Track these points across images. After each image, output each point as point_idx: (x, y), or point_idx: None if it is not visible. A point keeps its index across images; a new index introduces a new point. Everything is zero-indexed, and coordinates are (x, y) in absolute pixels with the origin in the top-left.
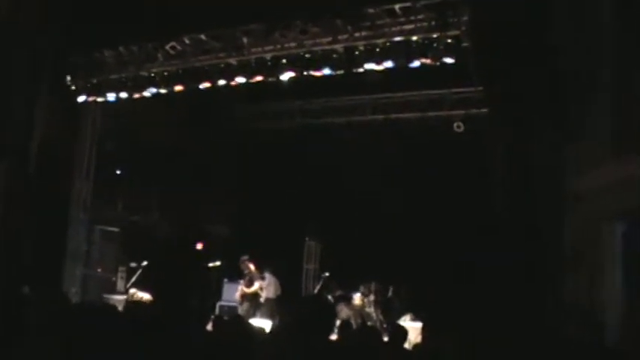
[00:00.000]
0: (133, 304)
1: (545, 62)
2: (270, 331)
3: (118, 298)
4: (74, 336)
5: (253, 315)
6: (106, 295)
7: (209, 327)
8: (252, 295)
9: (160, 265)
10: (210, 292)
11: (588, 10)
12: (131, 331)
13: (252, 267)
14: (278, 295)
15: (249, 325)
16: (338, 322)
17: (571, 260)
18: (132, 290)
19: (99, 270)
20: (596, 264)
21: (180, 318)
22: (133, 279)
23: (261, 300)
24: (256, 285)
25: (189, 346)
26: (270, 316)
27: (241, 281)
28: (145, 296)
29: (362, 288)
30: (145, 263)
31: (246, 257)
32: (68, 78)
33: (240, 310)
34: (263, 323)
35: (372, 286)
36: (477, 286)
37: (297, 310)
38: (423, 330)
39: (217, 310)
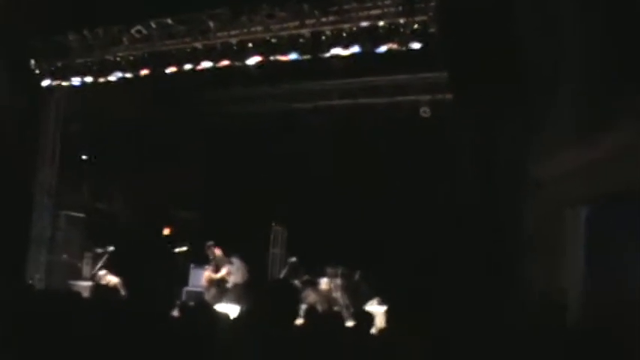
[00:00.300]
0: (99, 290)
1: (509, 50)
2: (236, 318)
3: (84, 285)
4: (37, 323)
5: (220, 300)
6: (71, 282)
7: (175, 313)
8: (218, 280)
9: (126, 251)
10: (176, 278)
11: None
12: (96, 317)
13: (218, 252)
14: (245, 281)
15: (215, 311)
16: (304, 307)
17: (533, 247)
18: (101, 272)
19: (64, 256)
20: (558, 249)
21: (146, 304)
22: (99, 265)
23: (229, 285)
24: (223, 271)
25: (154, 333)
26: (238, 302)
27: (207, 267)
28: (113, 279)
29: (329, 272)
30: (110, 249)
31: (211, 243)
32: (32, 62)
33: (207, 296)
34: (230, 309)
35: (339, 271)
36: (440, 271)
37: (262, 295)
38: (387, 314)
39: (184, 296)
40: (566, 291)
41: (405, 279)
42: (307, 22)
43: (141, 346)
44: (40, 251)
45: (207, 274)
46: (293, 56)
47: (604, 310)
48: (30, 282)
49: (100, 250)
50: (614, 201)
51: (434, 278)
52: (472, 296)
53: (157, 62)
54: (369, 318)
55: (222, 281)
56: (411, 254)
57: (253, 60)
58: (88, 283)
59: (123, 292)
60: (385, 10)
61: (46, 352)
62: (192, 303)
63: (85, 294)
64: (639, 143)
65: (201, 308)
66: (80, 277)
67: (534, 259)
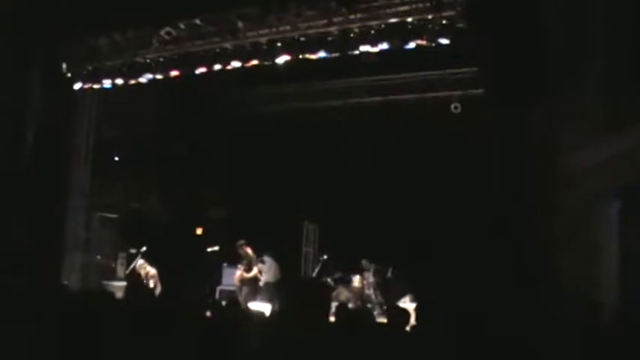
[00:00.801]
0: (134, 289)
1: (538, 42)
2: (269, 315)
3: (118, 285)
4: (72, 324)
5: (253, 299)
6: (105, 282)
7: (208, 313)
8: (251, 279)
9: (160, 251)
10: (209, 277)
11: None
12: (131, 317)
13: (249, 251)
14: (278, 279)
15: (248, 309)
16: (335, 305)
17: (566, 239)
18: (140, 261)
19: (98, 257)
20: (592, 243)
21: (180, 304)
22: (133, 265)
23: (261, 284)
24: (255, 270)
25: (189, 332)
26: (270, 300)
27: (240, 266)
28: (152, 271)
29: (361, 269)
30: (144, 249)
31: (243, 242)
32: (64, 65)
33: (240, 295)
34: (262, 307)
35: (371, 268)
36: (473, 267)
37: (294, 293)
38: (416, 311)
39: (217, 295)
40: (600, 286)
41: (438, 276)
42: (335, 19)
43: (176, 345)
44: (74, 252)
45: (239, 272)
46: (322, 54)
47: (637, 304)
48: (65, 283)
49: (133, 251)
50: None
51: (467, 274)
52: (506, 292)
53: (187, 63)
54: (403, 314)
55: (254, 280)
56: (444, 251)
57: (282, 59)
58: (123, 283)
59: (159, 285)
60: (413, 6)
61: (82, 349)
62: (225, 302)
63: (119, 294)
64: None
65: (234, 307)
66: (114, 278)
67: (569, 253)
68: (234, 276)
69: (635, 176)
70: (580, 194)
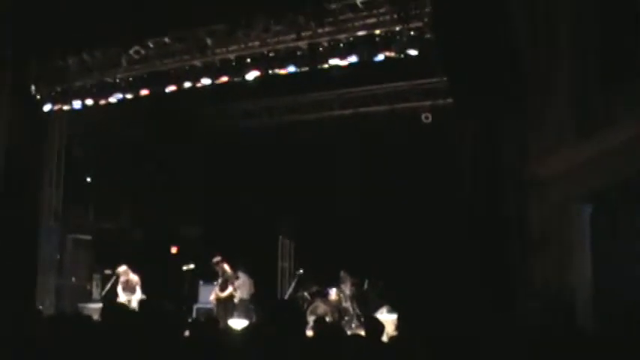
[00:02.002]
0: (111, 311)
1: (505, 51)
2: (243, 332)
3: (94, 307)
4: (49, 348)
5: (231, 316)
6: (81, 305)
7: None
8: (226, 298)
9: (136, 271)
10: (185, 296)
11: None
12: (108, 339)
13: (226, 267)
14: (252, 295)
15: (226, 326)
16: (312, 319)
17: (538, 245)
18: (122, 268)
19: (73, 279)
20: (565, 248)
21: (158, 324)
22: (108, 286)
23: (236, 300)
24: (229, 289)
25: (167, 352)
26: (246, 316)
27: (215, 283)
28: (135, 278)
29: (342, 277)
30: (120, 269)
31: (219, 258)
32: (33, 87)
33: (217, 313)
34: (240, 323)
35: (348, 280)
36: (447, 275)
37: (268, 313)
38: (397, 322)
39: (194, 313)
40: (574, 289)
41: (413, 285)
42: (304, 34)
43: None
44: (48, 275)
45: (215, 292)
46: (291, 69)
47: (611, 307)
48: (39, 307)
49: (108, 272)
50: (616, 196)
51: (441, 283)
52: (480, 298)
53: (157, 82)
54: (380, 326)
55: (229, 298)
56: (418, 260)
57: (252, 74)
58: (98, 305)
59: (139, 292)
60: (381, 18)
61: None
62: (202, 319)
63: (96, 316)
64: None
65: (212, 325)
66: (90, 300)
67: (540, 258)
68: (210, 293)
69: (604, 181)
70: (552, 200)
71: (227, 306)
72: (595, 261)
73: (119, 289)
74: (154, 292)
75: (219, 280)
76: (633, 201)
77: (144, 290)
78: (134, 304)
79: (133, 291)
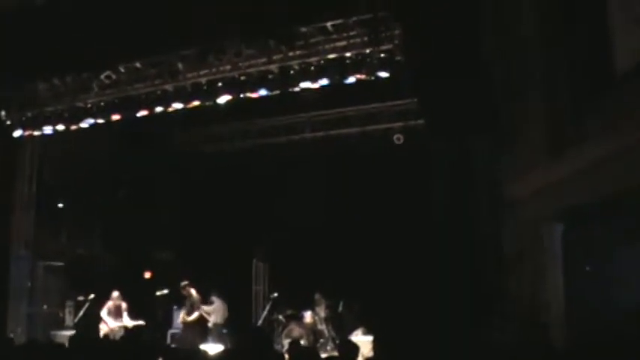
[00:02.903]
0: (82, 340)
1: (476, 72)
2: (217, 357)
3: (67, 334)
4: None
5: (204, 341)
6: (53, 332)
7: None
8: (194, 321)
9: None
10: (159, 321)
11: (514, 20)
12: None
13: (193, 292)
14: (225, 319)
15: (199, 351)
16: (288, 342)
17: (512, 263)
18: (116, 293)
19: (45, 307)
20: (538, 266)
21: (133, 351)
22: (81, 313)
23: (209, 325)
24: (196, 313)
25: None
26: (220, 341)
27: (183, 307)
28: (124, 304)
29: (316, 299)
30: (92, 296)
31: (186, 283)
32: (2, 113)
33: (185, 338)
34: (213, 348)
35: (323, 303)
36: (422, 296)
37: (243, 337)
38: (373, 344)
39: (168, 338)
40: (547, 307)
41: (388, 307)
42: (275, 57)
43: None
44: (19, 303)
45: (182, 315)
46: (263, 92)
47: (583, 324)
48: (11, 335)
49: (81, 298)
50: (588, 214)
51: (416, 303)
52: (455, 317)
53: (128, 106)
54: (354, 348)
55: (198, 322)
56: (394, 282)
57: (224, 98)
58: (72, 332)
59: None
60: (351, 41)
61: None
62: (174, 345)
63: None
64: (610, 156)
65: (184, 352)
66: (63, 327)
67: (514, 276)
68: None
69: (576, 200)
70: (525, 218)
71: (195, 330)
72: (567, 279)
73: (105, 314)
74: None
75: (187, 304)
76: (605, 219)
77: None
78: (122, 330)
79: (121, 316)
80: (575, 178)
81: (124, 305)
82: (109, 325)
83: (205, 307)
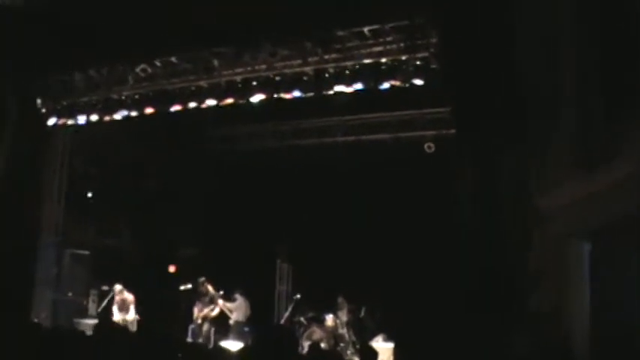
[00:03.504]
0: (106, 329)
1: (511, 84)
2: (237, 354)
3: (90, 322)
4: None
5: (223, 337)
6: (77, 320)
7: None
8: (214, 317)
9: (132, 289)
10: (182, 316)
11: (550, 29)
12: (101, 356)
13: (210, 289)
14: (247, 317)
15: (219, 348)
16: (308, 344)
17: (537, 279)
18: (119, 287)
19: (69, 294)
20: (563, 282)
21: (154, 343)
22: (105, 302)
23: (231, 322)
24: (217, 309)
25: None
26: (241, 338)
27: (198, 303)
28: (130, 297)
29: (339, 303)
30: (117, 287)
31: (203, 279)
32: (38, 101)
33: (201, 332)
34: (234, 345)
35: (345, 307)
36: (445, 306)
37: (264, 335)
38: (394, 351)
39: (189, 333)
40: (571, 324)
41: (410, 315)
42: (310, 59)
43: None
44: (45, 290)
45: (198, 310)
46: (296, 93)
47: (607, 341)
48: (36, 320)
49: (105, 288)
50: (616, 232)
51: (439, 314)
52: (477, 331)
53: (162, 100)
54: (375, 354)
55: (221, 318)
56: (417, 290)
57: (257, 97)
58: (94, 321)
59: (133, 311)
60: (387, 47)
61: None
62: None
63: (90, 332)
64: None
65: (204, 348)
66: (86, 315)
67: (538, 292)
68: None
69: (604, 217)
70: (552, 235)
71: (213, 325)
72: (593, 296)
73: (114, 307)
74: (150, 311)
75: (205, 300)
76: (632, 237)
77: (140, 308)
78: (128, 324)
79: (127, 310)
80: (604, 195)
81: (130, 298)
82: (113, 317)
83: (228, 304)
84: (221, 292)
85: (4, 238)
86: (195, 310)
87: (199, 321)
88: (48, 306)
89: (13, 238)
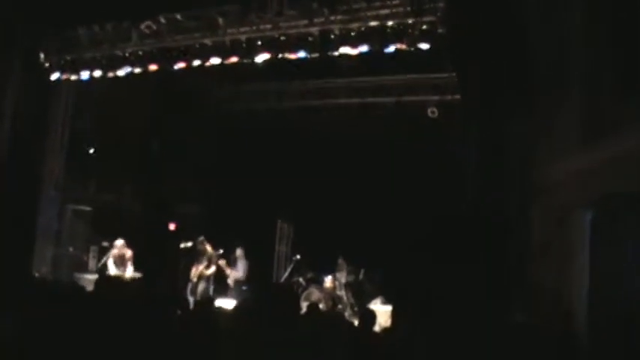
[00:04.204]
0: (105, 284)
1: (517, 51)
2: (236, 312)
3: (90, 278)
4: (42, 316)
5: (219, 295)
6: (77, 275)
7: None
8: (209, 276)
9: (132, 245)
10: (180, 274)
11: (557, 3)
12: (101, 313)
13: (209, 248)
14: (246, 277)
15: (220, 307)
16: (306, 305)
17: (539, 249)
18: (120, 241)
19: (70, 249)
20: (565, 253)
21: (152, 300)
22: (105, 258)
23: (229, 281)
24: (213, 267)
25: (160, 329)
26: (240, 297)
27: (196, 262)
28: (129, 252)
29: (339, 264)
30: (117, 242)
31: (202, 238)
32: (42, 55)
33: (196, 290)
34: (231, 304)
35: (345, 268)
36: (444, 272)
37: (263, 293)
38: (393, 314)
39: (188, 291)
40: (573, 295)
41: (408, 278)
42: (316, 20)
43: (147, 342)
44: (46, 244)
45: (200, 268)
46: (301, 54)
47: (610, 313)
48: (36, 275)
49: (105, 244)
50: (619, 203)
51: (439, 280)
52: (477, 300)
53: (166, 58)
54: (373, 316)
55: (218, 276)
56: (416, 255)
57: (262, 57)
58: (94, 276)
59: (131, 267)
60: (394, 10)
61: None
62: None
63: (90, 287)
64: None
65: (204, 305)
66: (86, 271)
67: (540, 261)
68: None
69: (607, 188)
70: (554, 204)
71: (208, 284)
72: (593, 267)
73: (110, 262)
74: (149, 268)
75: (203, 259)
76: (635, 209)
77: (139, 266)
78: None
79: (125, 266)
80: (608, 166)
81: (128, 254)
82: (110, 273)
83: (224, 263)
84: (220, 251)
85: (5, 193)
86: (193, 269)
87: (195, 279)
88: (48, 261)
89: (15, 193)
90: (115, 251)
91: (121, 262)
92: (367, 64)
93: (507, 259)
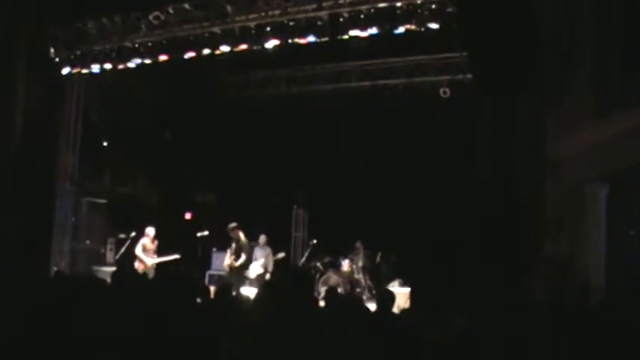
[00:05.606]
0: (123, 275)
1: (527, 29)
2: (255, 300)
3: (108, 270)
4: (62, 309)
5: (243, 284)
6: (95, 267)
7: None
8: (240, 266)
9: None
10: (198, 262)
11: None
12: (120, 303)
13: (241, 235)
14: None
15: (238, 295)
16: (324, 289)
17: (552, 224)
18: (151, 230)
19: (87, 242)
20: (579, 228)
21: (170, 289)
22: (122, 250)
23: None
24: (243, 257)
25: (179, 317)
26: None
27: (228, 251)
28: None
29: (357, 247)
30: (133, 234)
31: (235, 225)
32: (51, 50)
33: (229, 281)
34: (252, 292)
35: (362, 252)
36: (461, 252)
37: (282, 280)
38: (410, 296)
39: (207, 280)
40: (586, 269)
41: (426, 260)
42: (324, 4)
43: (165, 332)
44: (63, 238)
45: (227, 259)
46: (311, 39)
47: (627, 285)
48: (55, 269)
49: (122, 236)
50: (634, 178)
51: (456, 260)
52: (493, 277)
53: (176, 48)
54: (392, 298)
55: (243, 266)
56: (433, 236)
57: (271, 43)
58: (112, 269)
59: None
60: None
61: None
62: (213, 287)
63: (109, 279)
64: None
65: (223, 292)
66: (104, 263)
67: (553, 237)
68: (223, 260)
69: (622, 162)
70: (568, 179)
71: (240, 274)
72: (609, 242)
73: (139, 250)
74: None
75: (233, 248)
76: None
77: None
78: (148, 270)
79: (155, 254)
80: (621, 140)
81: (156, 243)
82: (146, 262)
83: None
84: (252, 244)
85: (22, 188)
86: (226, 259)
87: (228, 269)
88: (66, 254)
89: (31, 188)
90: (145, 239)
91: (152, 250)
92: (377, 47)
93: (519, 234)
